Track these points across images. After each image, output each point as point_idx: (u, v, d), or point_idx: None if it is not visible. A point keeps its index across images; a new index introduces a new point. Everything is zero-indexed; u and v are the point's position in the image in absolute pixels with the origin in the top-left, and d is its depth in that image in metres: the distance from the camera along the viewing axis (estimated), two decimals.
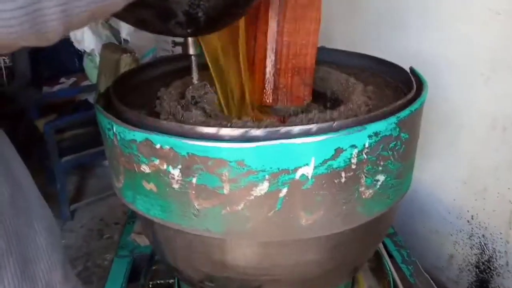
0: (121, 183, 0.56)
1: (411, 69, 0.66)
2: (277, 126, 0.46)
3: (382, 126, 0.48)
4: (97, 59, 1.83)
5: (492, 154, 0.89)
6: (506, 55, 0.83)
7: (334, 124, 0.46)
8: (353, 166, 0.47)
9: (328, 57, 0.78)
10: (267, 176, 0.45)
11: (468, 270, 1.00)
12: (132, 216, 1.04)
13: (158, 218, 0.52)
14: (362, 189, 0.50)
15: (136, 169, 0.51)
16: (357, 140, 0.46)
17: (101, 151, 1.78)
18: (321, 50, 0.79)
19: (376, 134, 0.47)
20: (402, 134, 0.51)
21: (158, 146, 0.47)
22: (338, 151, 0.46)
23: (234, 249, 0.56)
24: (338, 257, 0.59)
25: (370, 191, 0.50)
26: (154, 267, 0.86)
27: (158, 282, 0.82)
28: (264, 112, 0.64)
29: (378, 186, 0.51)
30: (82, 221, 1.79)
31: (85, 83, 2.05)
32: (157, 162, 0.48)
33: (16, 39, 0.28)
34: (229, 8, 0.46)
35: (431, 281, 0.83)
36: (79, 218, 1.81)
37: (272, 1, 0.59)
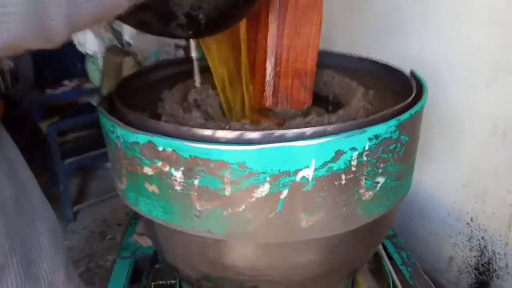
0: (124, 184, 0.56)
1: (412, 72, 0.67)
2: (272, 129, 0.46)
3: (382, 129, 0.48)
4: (100, 62, 1.83)
5: (492, 157, 0.89)
6: (507, 59, 0.83)
7: (330, 128, 0.46)
8: (353, 168, 0.48)
9: (331, 61, 0.78)
10: (268, 178, 0.46)
11: (468, 272, 1.00)
12: (134, 218, 1.05)
13: (160, 219, 0.53)
14: (362, 191, 0.50)
15: (138, 171, 0.51)
16: (357, 142, 0.47)
17: (103, 153, 1.79)
18: (325, 54, 0.80)
19: (376, 136, 0.48)
20: (402, 137, 0.51)
21: (160, 148, 0.48)
22: (339, 153, 0.46)
23: (235, 250, 0.57)
24: (338, 258, 0.60)
25: (370, 193, 0.51)
26: (156, 268, 0.87)
27: (160, 283, 0.82)
28: (264, 115, 0.65)
29: (378, 188, 0.51)
30: (84, 223, 1.80)
31: (88, 85, 2.06)
32: (159, 164, 0.49)
33: (22, 42, 0.28)
34: (229, 10, 0.46)
35: (431, 283, 0.84)
36: (81, 220, 1.81)
37: (272, 4, 0.59)
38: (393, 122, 0.49)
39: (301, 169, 0.46)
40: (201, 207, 0.49)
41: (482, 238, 0.96)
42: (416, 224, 1.11)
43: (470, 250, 0.99)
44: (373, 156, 0.49)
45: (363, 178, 0.49)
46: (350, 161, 0.47)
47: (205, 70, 0.65)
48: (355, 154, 0.47)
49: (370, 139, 0.48)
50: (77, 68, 2.15)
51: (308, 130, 0.46)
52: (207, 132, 0.47)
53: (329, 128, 0.47)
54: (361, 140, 0.47)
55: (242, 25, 0.58)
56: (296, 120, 0.52)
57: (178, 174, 0.48)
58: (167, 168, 0.48)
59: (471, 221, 0.97)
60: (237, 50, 0.61)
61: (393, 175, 0.53)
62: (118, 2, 0.32)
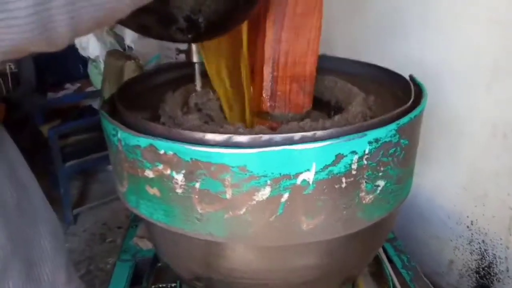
0: (125, 187, 0.57)
1: (411, 76, 0.67)
2: (261, 133, 0.47)
3: (382, 132, 0.49)
4: (102, 66, 1.84)
5: (492, 160, 0.90)
6: (507, 62, 0.83)
7: (330, 132, 0.47)
8: (354, 172, 0.48)
9: (334, 66, 0.79)
10: (269, 182, 0.46)
11: (468, 275, 1.00)
12: (135, 220, 1.05)
13: (162, 222, 0.53)
14: (362, 194, 0.50)
15: (140, 174, 0.52)
16: (357, 146, 0.47)
17: (104, 156, 1.80)
18: (328, 59, 0.80)
19: (376, 140, 0.48)
20: (402, 141, 0.52)
21: (162, 151, 0.48)
22: (339, 157, 0.47)
23: (236, 253, 0.57)
24: (338, 261, 0.60)
25: (371, 196, 0.51)
26: (156, 270, 0.87)
27: (161, 286, 0.82)
28: (263, 119, 0.65)
29: (378, 192, 0.52)
30: (85, 225, 1.80)
31: (90, 89, 2.07)
32: (160, 167, 0.49)
33: (26, 45, 0.29)
34: (229, 13, 0.46)
35: (431, 286, 0.84)
36: (82, 222, 1.82)
37: (270, 9, 0.59)
38: (393, 126, 0.50)
39: (301, 173, 0.46)
40: (202, 210, 0.49)
41: (483, 241, 0.96)
42: (416, 228, 1.11)
43: (470, 253, 0.99)
44: (373, 160, 0.49)
45: (364, 182, 0.49)
46: (350, 165, 0.48)
47: (206, 74, 0.65)
48: (356, 157, 0.47)
49: (370, 142, 0.48)
50: (79, 71, 2.16)
51: (308, 134, 0.46)
52: (198, 135, 0.47)
53: (330, 132, 0.47)
54: (361, 143, 0.47)
55: (244, 29, 0.59)
56: (289, 125, 0.52)
57: (179, 177, 0.48)
58: (168, 171, 0.48)
59: (472, 224, 0.97)
60: (238, 54, 0.61)
61: (393, 179, 0.53)
62: (120, 7, 0.32)
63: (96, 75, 1.98)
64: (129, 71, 1.52)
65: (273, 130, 0.52)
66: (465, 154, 0.96)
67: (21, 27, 0.27)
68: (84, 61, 2.09)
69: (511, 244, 0.90)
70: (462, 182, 0.98)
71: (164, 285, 0.82)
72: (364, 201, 0.51)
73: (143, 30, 0.48)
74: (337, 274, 0.64)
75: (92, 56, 1.94)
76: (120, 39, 1.95)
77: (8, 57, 0.31)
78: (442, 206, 1.04)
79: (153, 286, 0.82)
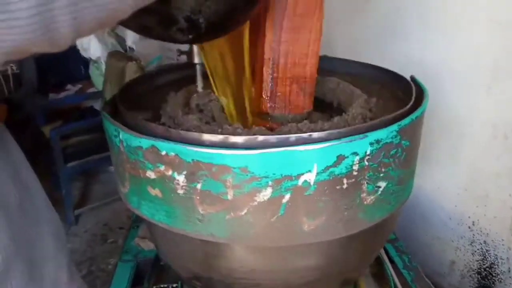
0: (127, 188, 0.57)
1: (412, 77, 0.67)
2: (257, 134, 0.47)
3: (384, 134, 0.49)
4: (103, 67, 1.85)
5: (493, 161, 0.90)
6: (507, 64, 0.83)
7: (331, 133, 0.47)
8: (355, 173, 0.48)
9: (338, 67, 0.79)
10: (270, 182, 0.46)
11: (470, 276, 1.00)
12: (137, 221, 1.05)
13: (163, 223, 0.53)
14: (363, 195, 0.50)
15: (141, 175, 0.52)
16: (358, 147, 0.47)
17: (105, 157, 1.80)
18: (330, 60, 0.81)
19: (377, 141, 0.48)
20: (403, 142, 0.52)
21: (163, 152, 0.48)
22: (340, 158, 0.47)
23: (237, 254, 0.57)
24: (340, 262, 0.60)
25: (372, 197, 0.51)
26: (158, 271, 0.87)
27: (162, 286, 0.82)
28: (263, 120, 0.65)
29: (379, 193, 0.52)
30: (86, 226, 1.80)
31: (91, 90, 2.07)
32: (162, 168, 0.49)
33: (28, 45, 0.29)
34: (229, 14, 0.46)
35: (433, 287, 0.84)
36: (83, 223, 1.82)
37: (270, 11, 0.59)
38: (394, 127, 0.50)
39: (303, 174, 0.46)
40: (203, 211, 0.49)
41: (484, 242, 0.96)
42: (417, 228, 1.11)
43: (472, 254, 0.99)
44: (374, 161, 0.49)
45: (365, 183, 0.50)
46: (351, 166, 0.48)
47: (207, 75, 0.65)
48: (357, 158, 0.48)
49: (371, 143, 0.48)
50: (80, 72, 2.16)
51: (310, 135, 0.46)
52: (195, 135, 0.47)
53: (331, 133, 0.47)
54: (363, 145, 0.47)
55: (245, 30, 0.59)
56: (287, 126, 0.53)
57: (180, 178, 0.48)
58: (170, 172, 0.49)
59: (473, 225, 0.97)
60: (239, 55, 0.61)
61: (394, 180, 0.53)
62: (122, 7, 0.33)
63: (97, 76, 1.98)
64: (131, 72, 1.53)
65: (271, 131, 0.52)
66: (465, 155, 0.96)
67: (23, 28, 0.27)
68: (86, 62, 2.09)
69: None
70: (463, 183, 0.98)
71: (165, 286, 0.82)
72: (365, 202, 0.51)
73: (143, 30, 0.48)
74: (338, 275, 0.64)
75: (93, 57, 1.95)
76: (121, 40, 1.95)
77: (10, 58, 0.31)
78: (443, 207, 1.04)
79: (154, 287, 0.82)
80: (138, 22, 0.45)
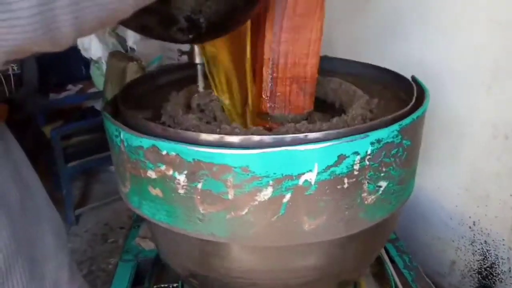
0: (128, 188, 0.57)
1: (413, 77, 0.67)
2: (253, 134, 0.47)
3: (385, 133, 0.49)
4: (104, 67, 1.85)
5: (494, 161, 0.90)
6: (508, 64, 0.83)
7: (332, 132, 0.47)
8: (356, 172, 0.48)
9: (337, 67, 0.79)
10: (271, 182, 0.46)
11: (471, 276, 1.00)
12: (137, 221, 1.05)
13: (164, 222, 0.53)
14: (364, 194, 0.50)
15: (142, 174, 0.52)
16: (359, 147, 0.47)
17: (106, 156, 1.80)
18: (332, 60, 0.80)
19: (378, 141, 0.48)
20: (404, 141, 0.52)
21: (164, 152, 0.48)
22: (341, 157, 0.47)
23: (237, 254, 0.57)
24: (340, 262, 0.60)
25: (373, 197, 0.51)
26: (158, 271, 0.87)
27: (163, 286, 0.82)
28: (263, 120, 0.65)
29: (380, 192, 0.52)
30: (87, 226, 1.80)
31: (92, 90, 2.07)
32: (163, 168, 0.49)
33: (30, 45, 0.29)
34: (230, 14, 0.46)
35: (433, 287, 0.84)
36: (84, 223, 1.82)
37: (269, 11, 0.59)
38: (395, 127, 0.50)
39: (303, 173, 0.46)
40: (204, 210, 0.49)
41: (485, 242, 0.96)
42: (418, 228, 1.11)
43: (472, 254, 0.99)
44: (375, 160, 0.49)
45: (366, 182, 0.50)
46: (352, 165, 0.48)
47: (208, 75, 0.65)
48: (358, 158, 0.48)
49: (372, 143, 0.48)
50: (81, 72, 2.16)
51: (306, 136, 0.46)
52: (191, 135, 0.48)
53: (328, 133, 0.47)
54: (364, 144, 0.47)
55: (247, 30, 0.59)
56: (285, 127, 0.53)
57: (181, 178, 0.48)
58: (170, 172, 0.49)
59: (474, 225, 0.97)
60: (240, 55, 0.61)
61: (395, 179, 0.53)
62: (123, 7, 0.33)
63: (98, 76, 1.98)
64: (131, 72, 1.53)
65: (270, 131, 0.52)
66: (466, 155, 0.96)
67: (24, 27, 0.27)
68: (86, 62, 2.09)
69: None
70: (463, 183, 0.98)
71: (166, 285, 0.82)
72: (366, 202, 0.51)
73: (144, 30, 0.48)
74: (338, 275, 0.64)
75: (94, 58, 1.95)
76: (122, 41, 1.96)
77: (12, 57, 0.31)
78: (443, 206, 1.04)
79: (155, 286, 0.83)
80: (139, 22, 0.45)
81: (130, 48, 1.95)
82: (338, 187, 0.48)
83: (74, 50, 1.98)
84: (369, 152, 0.48)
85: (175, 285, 0.82)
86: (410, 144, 0.53)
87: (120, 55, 1.71)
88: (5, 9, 0.26)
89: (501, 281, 0.94)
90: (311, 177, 0.47)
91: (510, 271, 0.92)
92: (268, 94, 0.63)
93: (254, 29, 0.60)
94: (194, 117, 0.57)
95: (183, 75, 0.80)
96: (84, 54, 1.98)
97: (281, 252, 0.56)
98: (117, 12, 0.33)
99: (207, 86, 0.69)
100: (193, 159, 0.47)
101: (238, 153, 0.46)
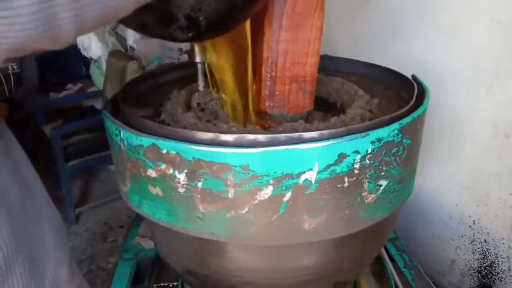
0: (128, 187, 0.57)
1: (413, 76, 0.67)
2: (245, 133, 0.47)
3: (385, 132, 0.49)
4: (104, 66, 1.85)
5: (494, 160, 0.90)
6: (508, 63, 0.83)
7: (333, 131, 0.47)
8: (356, 171, 0.48)
9: (340, 67, 0.79)
10: (271, 181, 0.46)
11: (470, 275, 1.00)
12: (137, 220, 1.05)
13: (164, 221, 0.53)
14: (365, 193, 0.50)
15: (142, 173, 0.52)
16: (360, 145, 0.47)
17: (106, 155, 1.80)
18: (334, 60, 0.80)
19: (379, 140, 0.48)
20: (404, 140, 0.52)
21: (164, 151, 0.48)
22: (341, 156, 0.47)
23: (236, 252, 0.57)
24: (340, 261, 0.60)
25: (373, 195, 0.51)
26: (158, 270, 0.87)
27: (162, 284, 0.82)
28: (262, 119, 0.65)
29: (380, 191, 0.52)
30: (86, 225, 1.80)
31: (92, 89, 2.07)
32: (163, 166, 0.49)
33: (30, 42, 0.29)
34: (229, 12, 0.46)
35: (433, 286, 0.84)
36: (83, 222, 1.82)
37: (269, 10, 0.58)
38: (395, 126, 0.50)
39: (304, 172, 0.46)
40: (204, 209, 0.49)
41: (485, 241, 0.96)
42: (418, 227, 1.11)
43: (472, 253, 0.99)
44: (375, 159, 0.49)
45: (366, 181, 0.50)
46: (353, 164, 0.48)
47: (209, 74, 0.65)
48: (358, 157, 0.48)
49: (373, 142, 0.48)
50: (81, 71, 2.16)
51: (311, 134, 0.46)
52: (185, 133, 0.48)
53: (332, 131, 0.47)
54: (364, 143, 0.47)
55: (247, 28, 0.58)
56: (281, 126, 0.53)
57: (181, 177, 0.48)
58: (170, 171, 0.49)
59: (474, 224, 0.97)
60: (240, 54, 0.61)
61: (395, 178, 0.53)
62: (123, 5, 0.33)
63: (98, 76, 1.98)
64: (131, 71, 1.53)
65: (265, 130, 0.52)
66: (466, 154, 0.96)
67: (24, 25, 0.27)
68: (86, 61, 2.09)
69: None
70: (463, 182, 0.98)
71: (165, 284, 0.82)
72: (366, 201, 0.51)
73: (143, 29, 0.48)
74: (338, 274, 0.64)
75: (94, 57, 1.95)
76: (122, 40, 1.95)
77: (12, 55, 0.31)
78: (443, 206, 1.04)
79: (154, 285, 0.83)
80: (139, 20, 0.45)
81: (130, 47, 1.95)
82: (339, 186, 0.48)
83: (74, 49, 1.98)
84: (369, 151, 0.48)
85: (175, 284, 0.82)
86: (410, 143, 0.53)
87: (120, 54, 1.71)
88: (5, 7, 0.26)
89: (500, 280, 0.94)
90: (312, 176, 0.47)
91: (509, 270, 0.92)
92: (267, 93, 0.63)
93: (254, 27, 0.60)
94: (192, 115, 0.57)
95: (184, 74, 0.79)
96: (84, 53, 1.98)
97: (281, 251, 0.56)
98: (117, 10, 0.32)
99: (208, 85, 0.69)
100: (193, 158, 0.47)
101: (238, 152, 0.46)
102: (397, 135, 0.50)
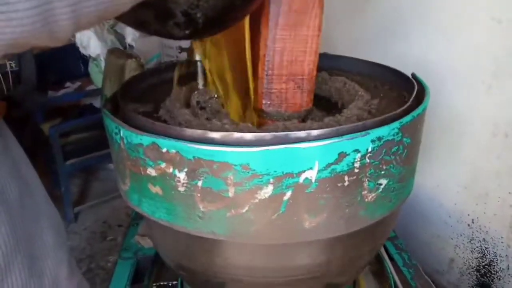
0: (127, 186, 0.57)
1: (413, 75, 0.67)
2: (230, 131, 0.47)
3: (385, 131, 0.49)
4: (103, 64, 1.84)
5: (493, 159, 0.90)
6: (508, 63, 0.83)
7: (333, 130, 0.47)
8: (356, 170, 0.48)
9: (341, 65, 0.79)
10: (271, 180, 0.46)
11: (469, 273, 1.01)
12: (136, 218, 1.05)
13: (164, 220, 0.53)
14: (365, 192, 0.50)
15: (142, 172, 0.52)
16: (360, 144, 0.47)
17: (105, 154, 1.80)
18: (336, 58, 0.80)
19: (379, 138, 0.48)
20: (404, 139, 0.52)
21: (164, 150, 0.48)
22: (342, 155, 0.47)
23: (236, 251, 0.57)
24: (340, 260, 0.60)
25: (373, 194, 0.51)
26: (157, 268, 0.87)
27: (162, 283, 0.82)
28: (259, 117, 0.65)
29: (380, 190, 0.52)
30: (85, 223, 1.80)
31: (90, 87, 2.07)
32: (163, 165, 0.49)
33: (28, 38, 0.29)
34: (227, 9, 0.46)
35: (432, 285, 0.84)
36: (82, 221, 1.82)
37: (265, 6, 0.58)
38: (395, 125, 0.50)
39: (304, 171, 0.46)
40: (204, 208, 0.49)
41: (484, 239, 0.96)
42: (417, 226, 1.11)
43: (471, 251, 0.99)
44: (376, 158, 0.49)
45: (366, 180, 0.50)
46: (353, 163, 0.48)
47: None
48: (358, 156, 0.48)
49: (373, 141, 0.48)
50: (80, 70, 2.15)
51: (311, 132, 0.46)
52: (177, 130, 0.49)
53: (333, 130, 0.47)
54: (364, 142, 0.47)
55: (246, 26, 0.58)
56: (273, 125, 0.52)
57: (181, 175, 0.48)
58: (170, 170, 0.49)
59: (472, 222, 0.98)
60: (239, 51, 0.61)
61: (395, 177, 0.53)
62: (122, 1, 0.32)
63: (96, 74, 1.97)
64: (130, 69, 1.52)
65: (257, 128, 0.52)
66: (466, 153, 0.96)
67: (22, 20, 0.27)
68: (85, 59, 2.09)
69: None
70: (463, 181, 0.98)
71: (165, 283, 0.82)
72: (366, 200, 0.51)
73: (141, 26, 0.48)
74: (337, 273, 0.64)
75: (93, 55, 1.94)
76: (121, 38, 1.95)
77: (10, 51, 0.31)
78: (443, 204, 1.04)
79: (154, 284, 0.83)
80: (137, 16, 0.44)
81: (129, 45, 1.95)
82: (339, 184, 0.48)
83: (72, 48, 1.97)
84: (369, 149, 0.48)
85: (174, 282, 0.82)
86: (410, 141, 0.53)
87: (119, 52, 1.70)
88: (3, 2, 0.26)
89: (499, 279, 0.94)
90: (312, 175, 0.47)
91: (508, 268, 0.92)
92: (264, 91, 0.62)
93: (253, 25, 0.60)
94: (188, 112, 0.57)
95: (184, 72, 0.79)
96: (83, 51, 1.97)
97: (281, 250, 0.56)
98: (115, 6, 0.32)
99: (207, 82, 0.69)
100: (194, 157, 0.47)
101: (238, 151, 0.46)
102: (397, 134, 0.50)
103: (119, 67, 1.54)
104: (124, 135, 0.52)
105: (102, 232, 1.74)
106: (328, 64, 0.78)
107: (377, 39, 1.12)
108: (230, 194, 0.48)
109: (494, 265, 0.95)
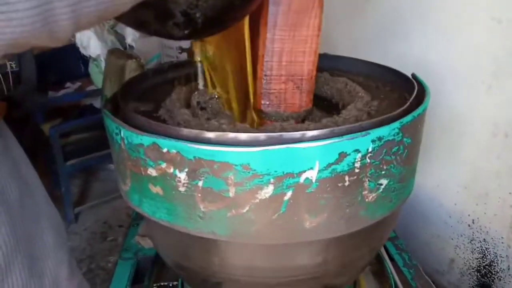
0: (128, 186, 0.57)
1: (413, 75, 0.67)
2: (225, 131, 0.48)
3: (386, 131, 0.49)
4: (103, 65, 1.84)
5: (493, 159, 0.90)
6: (508, 63, 0.83)
7: (333, 130, 0.47)
8: (357, 170, 0.48)
9: (342, 66, 0.79)
10: (272, 180, 0.46)
11: (469, 274, 1.00)
12: (136, 219, 1.05)
13: (164, 220, 0.53)
14: (365, 192, 0.50)
15: (142, 172, 0.52)
16: (360, 144, 0.47)
17: (105, 154, 1.80)
18: (337, 58, 0.80)
19: (379, 138, 0.48)
20: (405, 139, 0.52)
21: (165, 150, 0.48)
22: (342, 155, 0.47)
23: (237, 251, 0.57)
24: (340, 260, 0.60)
25: (373, 194, 0.51)
26: (158, 269, 0.87)
27: (162, 284, 0.82)
28: (259, 117, 0.64)
29: (381, 190, 0.52)
30: (86, 224, 1.80)
31: (90, 88, 2.06)
32: (163, 165, 0.49)
33: (28, 38, 0.29)
34: (226, 9, 0.46)
35: (432, 285, 0.84)
36: (83, 221, 1.82)
37: (264, 6, 0.58)
38: (396, 125, 0.50)
39: (305, 171, 0.46)
40: (205, 208, 0.49)
41: (484, 240, 0.96)
42: (417, 226, 1.11)
43: (471, 252, 0.99)
44: (376, 158, 0.49)
45: (366, 180, 0.50)
46: (353, 163, 0.48)
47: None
48: (359, 156, 0.48)
49: (373, 141, 0.48)
50: (80, 70, 2.15)
51: (307, 133, 0.46)
52: (174, 129, 0.49)
53: (333, 130, 0.47)
54: (365, 142, 0.47)
55: (245, 26, 0.58)
56: (270, 126, 0.52)
57: (182, 176, 0.48)
58: (171, 170, 0.49)
59: (473, 223, 0.98)
60: (239, 51, 0.61)
61: (396, 177, 0.53)
62: (121, 1, 0.32)
63: (97, 74, 1.97)
64: (130, 70, 1.52)
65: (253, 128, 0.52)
66: (466, 153, 0.96)
67: (22, 20, 0.27)
68: (85, 60, 2.09)
69: None
70: (463, 181, 0.98)
71: (165, 283, 0.82)
72: (367, 200, 0.51)
73: (141, 26, 0.48)
74: (337, 273, 0.64)
75: (93, 55, 1.94)
76: (121, 38, 1.95)
77: (10, 51, 0.31)
78: (443, 205, 1.04)
79: (154, 285, 0.82)
80: (136, 16, 0.44)
81: (129, 45, 1.95)
82: (339, 184, 0.48)
83: (72, 48, 1.97)
84: (370, 149, 0.48)
85: (175, 283, 0.82)
86: (410, 141, 0.53)
87: (119, 52, 1.70)
88: (3, 2, 0.26)
89: (499, 279, 0.94)
90: (312, 174, 0.47)
91: (509, 269, 0.92)
92: (263, 92, 0.62)
93: (253, 25, 0.60)
94: (187, 112, 0.57)
95: (184, 72, 0.79)
96: (83, 51, 1.97)
97: (282, 250, 0.56)
98: (115, 6, 0.32)
99: (208, 82, 0.69)
100: (194, 157, 0.47)
101: (239, 151, 0.46)
102: (398, 134, 0.50)
103: (119, 67, 1.54)
104: (125, 136, 0.52)
105: (103, 233, 1.74)
106: (328, 64, 0.78)
107: (377, 39, 1.12)
108: (231, 194, 0.48)
109: (495, 266, 0.95)
